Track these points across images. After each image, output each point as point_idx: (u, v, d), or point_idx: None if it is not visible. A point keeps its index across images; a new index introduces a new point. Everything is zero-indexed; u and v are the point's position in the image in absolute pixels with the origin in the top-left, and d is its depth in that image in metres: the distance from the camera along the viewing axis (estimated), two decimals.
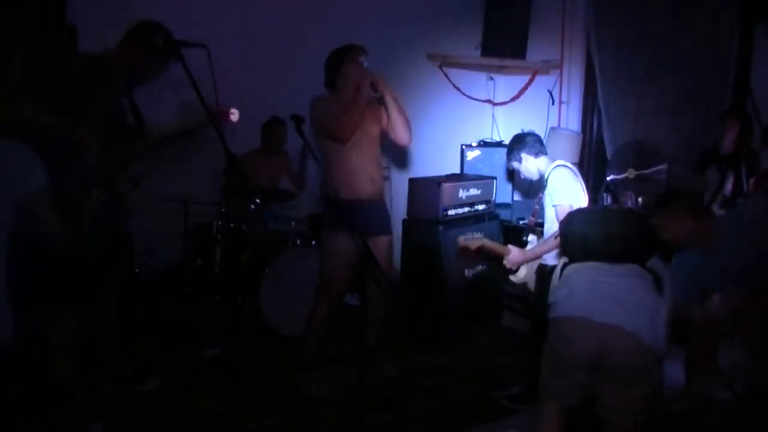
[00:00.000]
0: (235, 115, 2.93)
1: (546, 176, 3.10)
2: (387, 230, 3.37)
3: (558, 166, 3.08)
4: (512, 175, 4.76)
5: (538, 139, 3.23)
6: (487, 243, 3.13)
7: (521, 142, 3.20)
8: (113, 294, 3.05)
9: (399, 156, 4.88)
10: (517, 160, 3.21)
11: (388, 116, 3.21)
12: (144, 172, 2.96)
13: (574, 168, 3.19)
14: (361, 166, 3.19)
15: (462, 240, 3.12)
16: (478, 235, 3.14)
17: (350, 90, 3.15)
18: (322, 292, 3.32)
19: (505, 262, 3.13)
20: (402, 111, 3.22)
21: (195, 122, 2.91)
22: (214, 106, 2.83)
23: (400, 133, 3.23)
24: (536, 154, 3.17)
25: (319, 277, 3.34)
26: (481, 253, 3.16)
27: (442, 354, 3.84)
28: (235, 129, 3.14)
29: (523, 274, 3.17)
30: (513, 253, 3.10)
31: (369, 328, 3.42)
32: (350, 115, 3.08)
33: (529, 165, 3.18)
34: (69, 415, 2.71)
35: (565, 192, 2.98)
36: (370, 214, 3.21)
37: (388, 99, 3.15)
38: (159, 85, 3.44)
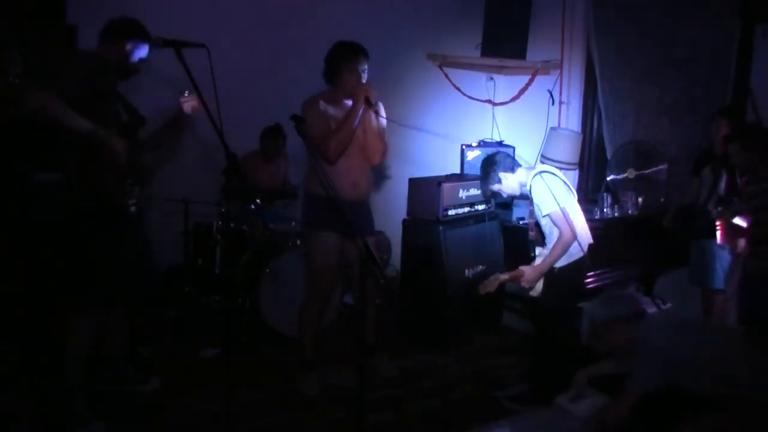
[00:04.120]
0: (186, 104, 2.87)
1: (528, 189, 3.09)
2: (372, 231, 3.45)
3: (536, 174, 3.06)
4: None
5: (507, 154, 3.23)
6: (503, 277, 3.22)
7: (493, 162, 3.18)
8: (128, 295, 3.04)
9: (399, 156, 4.87)
10: (497, 182, 3.18)
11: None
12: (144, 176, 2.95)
13: (555, 170, 3.19)
14: (346, 172, 3.15)
15: (483, 289, 3.23)
16: (493, 277, 3.23)
17: (347, 89, 3.13)
18: (311, 290, 3.32)
19: (523, 283, 3.15)
20: (382, 136, 3.23)
21: (175, 112, 2.91)
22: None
23: (372, 153, 3.23)
24: (512, 169, 3.16)
25: (307, 275, 3.35)
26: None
27: (442, 354, 3.84)
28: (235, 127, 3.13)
29: (542, 287, 3.20)
30: (526, 272, 3.11)
31: (367, 328, 3.43)
32: (338, 142, 3.06)
33: (510, 182, 3.16)
34: (70, 415, 2.71)
35: (550, 198, 2.99)
36: (353, 216, 3.18)
37: (376, 116, 3.17)
38: (157, 84, 3.45)
